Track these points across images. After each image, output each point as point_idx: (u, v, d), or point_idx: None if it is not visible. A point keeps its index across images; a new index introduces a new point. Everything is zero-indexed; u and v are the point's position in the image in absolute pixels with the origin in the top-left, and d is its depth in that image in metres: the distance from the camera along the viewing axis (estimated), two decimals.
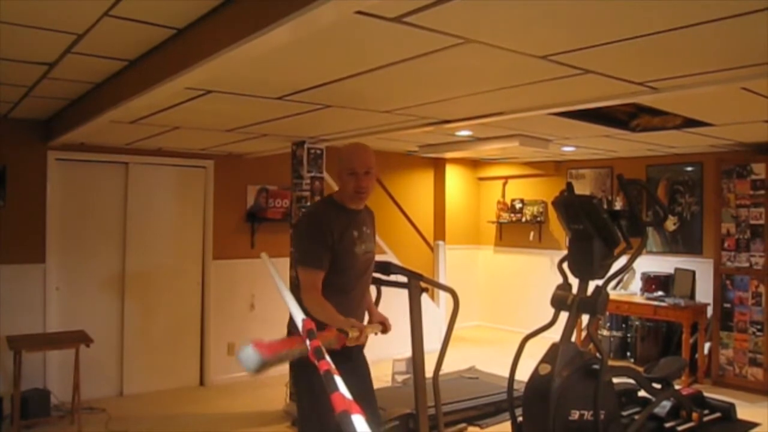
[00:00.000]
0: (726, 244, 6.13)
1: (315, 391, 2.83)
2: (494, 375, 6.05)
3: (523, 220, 8.57)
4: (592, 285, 3.97)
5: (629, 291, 7.03)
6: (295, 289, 2.86)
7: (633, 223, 4.03)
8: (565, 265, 4.16)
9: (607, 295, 3.92)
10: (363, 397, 3.01)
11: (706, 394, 5.09)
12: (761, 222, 5.90)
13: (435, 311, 7.50)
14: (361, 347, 3.05)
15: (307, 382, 2.86)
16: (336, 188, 3.06)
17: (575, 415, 3.66)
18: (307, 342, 2.00)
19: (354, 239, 2.83)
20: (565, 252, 4.22)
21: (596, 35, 2.40)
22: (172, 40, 2.65)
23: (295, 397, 2.96)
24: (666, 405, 4.61)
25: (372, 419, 2.99)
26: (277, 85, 3.39)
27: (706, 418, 4.79)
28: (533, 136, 5.57)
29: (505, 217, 8.78)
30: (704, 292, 6.36)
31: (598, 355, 3.92)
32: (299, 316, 2.10)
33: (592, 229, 3.88)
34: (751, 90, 3.42)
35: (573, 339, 4.04)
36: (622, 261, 4.00)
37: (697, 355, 6.26)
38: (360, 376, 3.02)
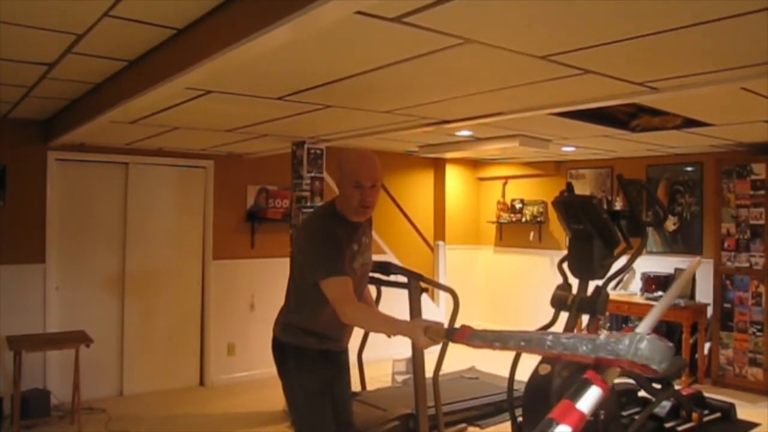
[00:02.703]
0: (726, 244, 6.13)
1: (309, 393, 2.81)
2: (494, 375, 6.05)
3: (523, 220, 8.56)
4: (592, 285, 3.97)
5: (629, 291, 7.03)
6: (297, 297, 2.77)
7: (633, 223, 4.04)
8: (565, 265, 4.17)
9: (607, 295, 3.92)
10: (343, 403, 3.00)
11: (706, 394, 5.09)
12: (761, 222, 5.90)
13: (435, 311, 7.50)
14: (345, 352, 3.02)
15: (300, 385, 2.80)
16: (335, 190, 2.95)
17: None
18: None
19: (354, 253, 2.72)
20: (565, 252, 4.22)
21: (596, 35, 2.40)
22: (172, 41, 2.65)
23: (289, 402, 2.86)
24: (666, 405, 4.61)
25: (347, 426, 2.98)
26: (277, 86, 3.39)
27: (706, 419, 4.79)
28: (533, 137, 5.57)
29: (505, 217, 8.78)
30: (704, 292, 6.35)
31: None
32: (648, 325, 1.59)
33: (592, 229, 3.88)
34: (750, 90, 3.42)
35: None
36: (622, 261, 4.00)
37: (697, 355, 6.26)
38: (343, 383, 3.00)
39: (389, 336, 2.45)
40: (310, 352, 2.77)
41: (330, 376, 2.87)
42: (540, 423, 1.29)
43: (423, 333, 2.21)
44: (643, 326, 1.56)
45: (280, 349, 2.82)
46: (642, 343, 1.52)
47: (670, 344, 1.51)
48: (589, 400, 1.37)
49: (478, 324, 9.32)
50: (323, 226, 2.67)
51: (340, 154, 2.76)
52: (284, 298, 2.90)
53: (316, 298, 2.55)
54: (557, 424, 1.29)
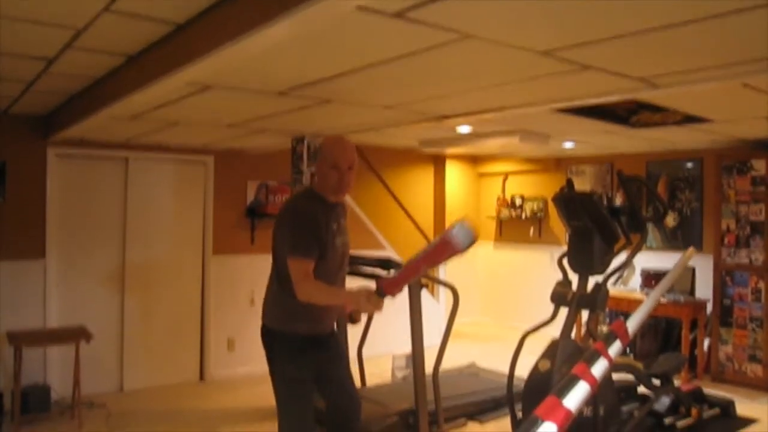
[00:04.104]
0: (726, 241, 6.14)
1: (290, 381, 2.89)
2: (494, 371, 6.05)
3: (523, 216, 8.57)
4: (592, 281, 3.97)
5: (629, 287, 7.03)
6: (280, 281, 2.88)
7: (633, 220, 4.04)
8: (565, 261, 4.17)
9: (607, 291, 3.92)
10: (343, 388, 3.05)
11: (705, 390, 5.11)
12: (761, 218, 5.90)
13: (435, 307, 7.50)
14: (335, 336, 3.07)
15: (282, 372, 2.89)
16: None
17: (576, 411, 3.67)
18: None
19: (334, 231, 2.87)
20: (565, 248, 4.22)
21: (596, 31, 2.39)
22: (172, 36, 2.65)
23: (273, 387, 2.97)
24: (665, 401, 4.62)
25: (352, 407, 3.04)
26: (278, 81, 3.39)
27: (705, 414, 4.80)
28: (533, 132, 5.57)
29: (505, 213, 8.78)
30: (704, 289, 6.35)
31: None
32: (642, 314, 1.84)
33: (592, 225, 3.88)
34: (751, 86, 3.41)
35: (573, 335, 4.04)
36: (621, 257, 4.00)
37: (696, 351, 6.26)
38: (338, 368, 3.07)
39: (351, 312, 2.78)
40: (294, 340, 2.86)
41: (318, 364, 2.95)
42: (526, 420, 1.28)
43: (366, 300, 2.50)
44: (636, 316, 1.72)
45: (267, 335, 2.94)
46: (455, 227, 2.24)
47: (475, 232, 2.23)
48: (576, 396, 1.34)
49: (477, 320, 9.33)
50: (302, 207, 2.85)
51: (321, 141, 2.92)
52: (266, 287, 2.99)
53: None
54: (542, 421, 1.27)
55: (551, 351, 3.81)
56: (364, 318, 2.98)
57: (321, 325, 2.93)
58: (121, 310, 5.88)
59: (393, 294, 2.55)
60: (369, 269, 4.45)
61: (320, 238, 2.77)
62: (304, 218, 2.77)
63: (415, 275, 2.50)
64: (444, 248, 2.34)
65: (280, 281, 2.87)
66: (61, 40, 2.81)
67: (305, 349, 2.87)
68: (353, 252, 3.23)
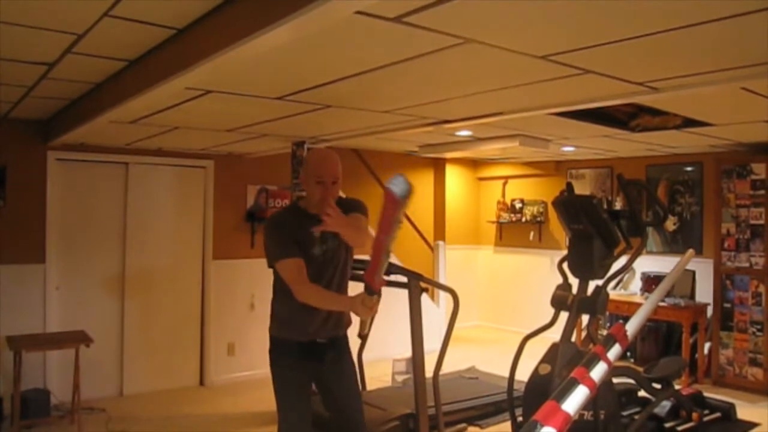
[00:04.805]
0: (726, 244, 6.13)
1: (283, 386, 2.94)
2: (494, 375, 6.05)
3: (523, 220, 8.57)
4: (592, 285, 3.97)
5: (629, 291, 7.03)
6: (274, 290, 2.95)
7: (633, 223, 4.03)
8: (565, 265, 4.17)
9: (607, 295, 3.92)
10: (344, 397, 3.03)
11: (705, 394, 5.10)
12: (761, 222, 5.90)
13: (435, 311, 7.50)
14: (336, 347, 3.04)
15: (277, 377, 2.96)
16: None
17: (575, 415, 3.66)
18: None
19: (313, 240, 2.84)
20: (565, 252, 4.22)
21: (596, 35, 2.40)
22: (171, 40, 2.65)
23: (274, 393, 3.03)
24: (666, 405, 4.61)
25: (355, 422, 3.04)
26: (277, 86, 3.39)
27: (706, 418, 4.79)
28: (533, 136, 5.57)
29: (505, 217, 8.78)
30: (704, 292, 6.36)
31: None
32: (643, 314, 1.90)
33: (592, 229, 3.88)
34: (750, 90, 3.42)
35: (573, 339, 4.04)
36: (622, 261, 4.00)
37: (697, 355, 6.26)
38: (338, 376, 3.04)
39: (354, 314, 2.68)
40: (289, 346, 2.93)
41: (317, 373, 2.98)
42: (525, 425, 1.28)
43: (361, 304, 2.52)
44: (635, 319, 1.75)
45: (270, 343, 3.04)
46: (390, 181, 2.19)
47: (409, 182, 2.17)
48: (575, 400, 1.34)
49: (477, 324, 9.31)
50: (275, 218, 3.03)
51: (308, 154, 2.94)
52: None
53: (285, 285, 2.79)
54: (541, 425, 1.28)
55: (551, 355, 3.80)
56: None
57: (314, 332, 2.91)
58: (121, 315, 5.88)
59: (377, 284, 2.47)
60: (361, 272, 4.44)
61: (296, 241, 2.79)
62: (276, 224, 2.90)
63: (382, 250, 2.40)
64: (387, 206, 2.29)
65: (274, 289, 2.97)
66: (62, 45, 2.81)
67: (299, 355, 2.92)
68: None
